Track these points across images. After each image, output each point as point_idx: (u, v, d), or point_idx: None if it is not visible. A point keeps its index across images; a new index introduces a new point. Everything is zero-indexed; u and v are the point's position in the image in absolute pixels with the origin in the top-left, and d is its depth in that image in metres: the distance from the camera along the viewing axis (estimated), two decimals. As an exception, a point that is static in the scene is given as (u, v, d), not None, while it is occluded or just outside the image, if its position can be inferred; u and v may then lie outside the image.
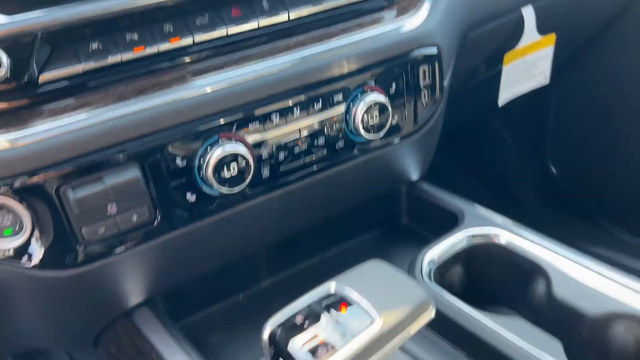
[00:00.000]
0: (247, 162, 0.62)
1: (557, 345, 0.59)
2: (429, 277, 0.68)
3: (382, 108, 0.69)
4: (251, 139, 0.63)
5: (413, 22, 0.72)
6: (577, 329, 0.63)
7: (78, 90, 0.57)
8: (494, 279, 0.73)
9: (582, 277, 0.66)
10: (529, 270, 0.69)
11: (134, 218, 0.59)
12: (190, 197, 0.62)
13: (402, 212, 0.88)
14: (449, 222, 0.77)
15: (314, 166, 0.69)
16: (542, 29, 0.98)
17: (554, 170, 1.69)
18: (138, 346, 0.65)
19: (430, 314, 0.47)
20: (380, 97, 0.69)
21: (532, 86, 1.05)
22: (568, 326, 0.63)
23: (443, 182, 0.86)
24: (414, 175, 0.85)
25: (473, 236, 0.74)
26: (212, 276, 0.74)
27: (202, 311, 0.76)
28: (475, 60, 0.97)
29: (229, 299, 0.78)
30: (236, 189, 0.62)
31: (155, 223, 0.60)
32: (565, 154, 1.64)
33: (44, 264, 0.56)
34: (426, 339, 0.64)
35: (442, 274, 0.71)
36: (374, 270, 0.51)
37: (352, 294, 0.47)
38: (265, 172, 0.65)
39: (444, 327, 0.63)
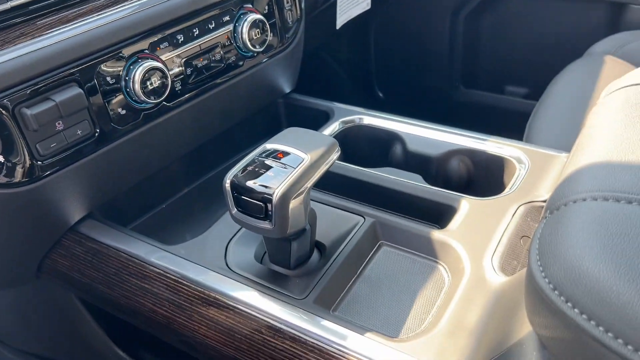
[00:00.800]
0: (165, 75, 0.74)
1: (418, 177, 0.84)
2: None
3: (262, 25, 0.86)
4: (164, 57, 0.75)
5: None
6: (428, 167, 0.88)
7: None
8: (365, 151, 0.96)
9: (426, 134, 0.91)
10: (388, 138, 0.93)
11: (79, 132, 0.68)
12: (122, 111, 0.73)
13: (282, 121, 1.07)
14: (324, 119, 0.98)
15: (217, 80, 0.84)
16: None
17: (380, 94, 2.00)
18: (96, 250, 0.75)
19: (338, 152, 0.67)
20: (259, 16, 0.85)
21: (359, 11, 1.28)
22: (422, 167, 0.88)
23: None
24: (288, 87, 1.03)
25: (344, 122, 0.96)
26: (138, 189, 0.85)
27: (136, 221, 0.87)
28: None
29: (156, 209, 0.90)
30: (159, 100, 0.74)
31: (96, 136, 0.71)
32: (387, 79, 1.96)
33: (5, 182, 0.64)
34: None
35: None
36: (293, 132, 0.68)
37: (284, 147, 0.64)
38: (178, 86, 0.79)
39: (335, 183, 0.84)
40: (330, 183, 0.83)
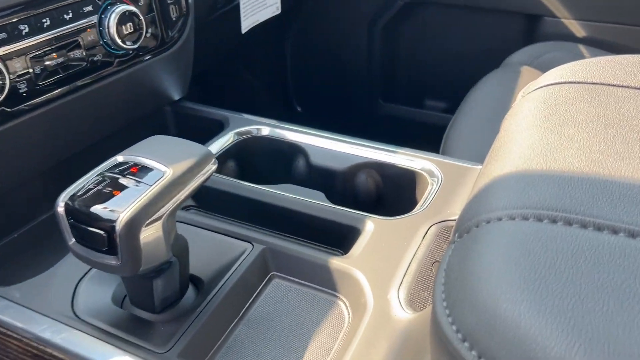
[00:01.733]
0: (1, 74, 0.59)
1: (320, 194, 0.72)
2: None
3: (134, 18, 0.72)
4: (1, 51, 0.61)
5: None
6: (332, 183, 0.77)
7: None
8: (263, 166, 0.84)
9: (332, 146, 0.81)
10: (289, 151, 0.82)
11: None
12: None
13: (171, 131, 0.93)
14: (215, 130, 0.85)
15: (78, 81, 0.69)
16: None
17: (298, 108, 1.90)
18: None
19: (214, 164, 0.54)
20: (131, 7, 0.72)
21: (268, 15, 1.18)
22: (326, 183, 0.77)
23: None
24: (176, 93, 0.90)
25: (239, 133, 0.83)
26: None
27: None
28: None
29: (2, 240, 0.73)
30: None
31: None
32: (305, 92, 1.87)
33: None
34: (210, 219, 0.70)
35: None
36: (156, 141, 0.55)
37: (140, 159, 0.51)
38: (23, 88, 0.64)
39: (222, 204, 0.71)
40: (214, 203, 0.71)
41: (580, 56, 1.29)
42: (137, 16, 0.73)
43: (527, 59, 1.28)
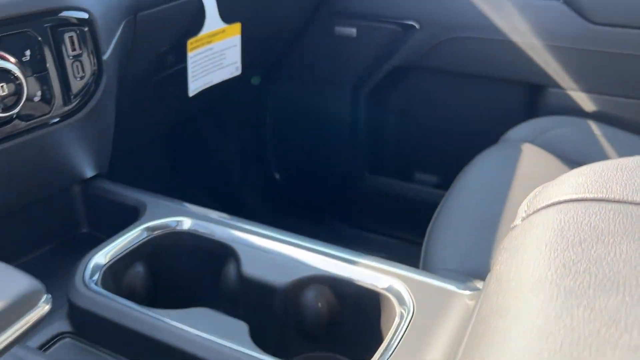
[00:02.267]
0: None
1: (242, 328, 0.52)
2: (95, 283, 0.55)
3: (9, 77, 0.54)
4: None
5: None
6: (270, 304, 0.57)
7: None
8: (184, 272, 0.64)
9: (273, 248, 0.61)
10: (218, 254, 0.62)
11: None
12: None
13: (80, 218, 0.74)
14: (131, 218, 0.66)
15: None
16: (228, 16, 0.95)
17: (277, 176, 1.72)
18: None
19: (43, 307, 0.35)
20: (7, 64, 0.54)
21: (225, 76, 1.01)
22: (260, 304, 0.57)
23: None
24: (87, 170, 0.71)
25: (152, 228, 0.64)
26: None
27: None
28: (158, 47, 0.89)
29: None
30: None
31: None
32: (285, 159, 1.69)
33: None
34: (85, 352, 0.50)
35: (116, 276, 0.59)
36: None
37: None
38: None
39: (108, 334, 0.51)
40: (98, 332, 0.51)
41: (588, 133, 1.11)
42: (14, 76, 0.55)
43: (528, 134, 1.10)
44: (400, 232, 1.61)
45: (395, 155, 1.55)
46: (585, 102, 1.22)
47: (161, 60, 0.92)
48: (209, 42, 0.93)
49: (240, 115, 1.62)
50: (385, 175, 1.57)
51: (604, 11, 1.14)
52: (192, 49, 0.90)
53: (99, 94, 0.65)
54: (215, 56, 0.96)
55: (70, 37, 0.60)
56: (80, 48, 0.61)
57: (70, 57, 0.61)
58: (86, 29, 0.62)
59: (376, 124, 1.52)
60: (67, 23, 0.60)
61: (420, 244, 0.86)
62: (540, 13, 1.20)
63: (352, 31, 1.39)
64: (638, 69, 1.15)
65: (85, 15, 0.61)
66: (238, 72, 1.02)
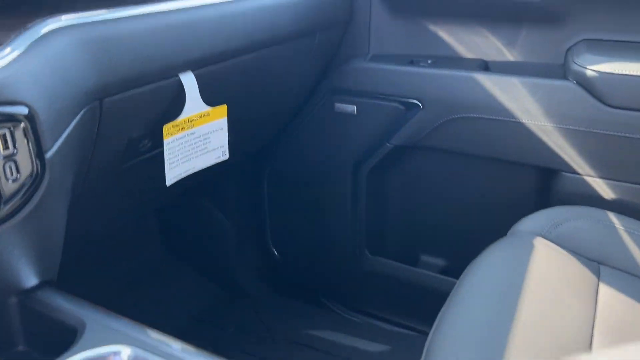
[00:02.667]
0: None
1: None
2: None
3: None
4: None
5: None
6: None
7: None
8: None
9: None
10: None
11: None
12: None
13: (16, 334, 0.64)
14: (69, 338, 0.56)
15: None
16: (212, 98, 0.89)
17: (275, 252, 1.63)
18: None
19: None
20: None
21: (211, 162, 0.94)
22: None
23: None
24: (28, 279, 0.62)
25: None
26: None
27: None
28: (130, 133, 0.82)
29: None
30: None
31: None
32: (284, 235, 1.61)
33: None
34: None
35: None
36: None
37: None
38: None
39: None
40: None
41: (609, 226, 1.01)
42: None
43: (541, 227, 1.00)
44: (403, 319, 1.50)
45: (398, 237, 1.46)
46: (604, 189, 1.12)
47: (134, 145, 0.85)
48: (190, 127, 0.87)
49: (234, 190, 1.55)
50: (387, 257, 1.47)
51: (620, 93, 1.06)
52: (169, 134, 0.83)
53: (38, 196, 0.57)
54: (197, 141, 0.89)
55: (2, 135, 0.53)
56: (15, 146, 0.53)
57: (2, 157, 0.53)
58: (22, 125, 0.54)
59: (377, 204, 1.43)
60: (4, 118, 0.53)
61: (424, 333, 0.78)
62: (552, 94, 1.12)
63: (353, 108, 1.33)
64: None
65: (24, 111, 0.54)
66: (225, 156, 0.95)
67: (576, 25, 1.15)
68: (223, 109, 0.92)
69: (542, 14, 1.16)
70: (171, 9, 0.79)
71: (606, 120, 1.07)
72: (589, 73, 1.07)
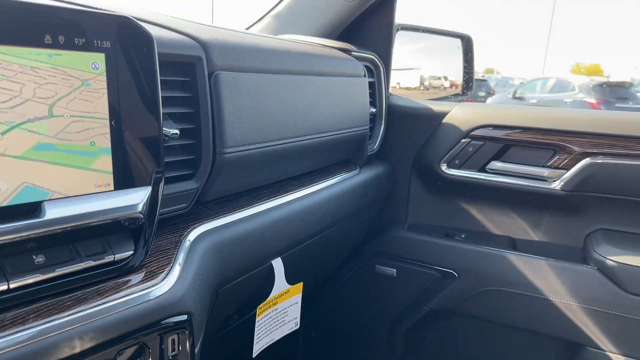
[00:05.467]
0: None
1: None
2: None
3: None
4: None
5: (161, 289, 0.67)
6: None
7: None
8: None
9: None
10: None
11: None
12: None
13: None
14: None
15: None
16: (290, 278, 1.03)
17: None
18: None
19: None
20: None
21: (285, 332, 1.05)
22: None
23: None
24: None
25: None
26: None
27: None
28: (228, 311, 0.95)
29: None
30: None
31: None
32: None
33: None
34: None
35: None
36: None
37: None
38: None
39: None
40: None
41: None
42: None
43: None
44: None
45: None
46: None
47: (227, 320, 0.97)
48: (275, 304, 1.00)
49: None
50: None
51: (638, 282, 1.21)
52: (260, 313, 0.96)
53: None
54: (278, 315, 1.02)
55: (172, 339, 0.66)
56: (179, 347, 0.66)
57: (170, 359, 0.66)
58: (186, 329, 0.67)
59: (412, 361, 1.52)
60: (173, 326, 0.66)
61: None
62: (576, 277, 1.27)
63: (393, 271, 1.47)
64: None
65: (185, 317, 0.67)
66: (297, 326, 1.07)
67: (594, 215, 1.34)
68: (299, 286, 1.05)
69: (563, 204, 1.35)
70: (274, 205, 0.96)
71: (627, 305, 1.21)
72: (609, 263, 1.23)
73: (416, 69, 2.53)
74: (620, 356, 1.24)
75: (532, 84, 15.23)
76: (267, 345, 1.00)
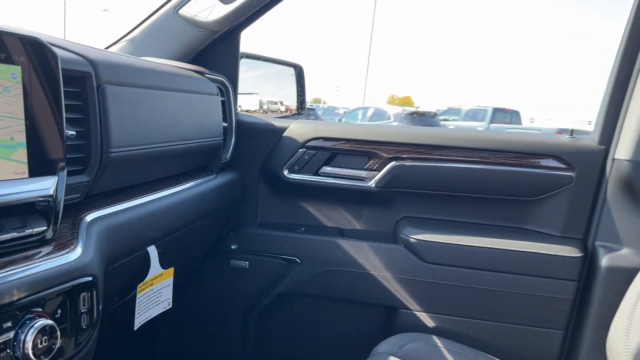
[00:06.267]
0: None
1: None
2: None
3: (51, 332, 0.73)
4: None
5: (71, 256, 0.82)
6: None
7: None
8: None
9: None
10: None
11: None
12: None
13: None
14: None
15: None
16: (163, 263, 1.21)
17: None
18: None
19: None
20: (49, 322, 0.73)
21: (160, 310, 1.22)
22: None
23: None
24: None
25: None
26: None
27: None
28: (111, 290, 1.09)
29: None
30: None
31: None
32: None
33: None
34: None
35: None
36: None
37: None
38: None
39: None
40: None
41: (435, 346, 1.48)
42: (54, 329, 0.74)
43: (392, 349, 1.43)
44: None
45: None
46: (429, 321, 1.62)
47: (110, 300, 1.11)
48: (151, 285, 1.16)
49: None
50: None
51: (433, 254, 1.60)
52: (140, 291, 1.12)
53: (92, 339, 0.84)
54: (154, 295, 1.18)
55: (83, 296, 0.82)
56: (88, 303, 0.82)
57: (82, 312, 0.81)
58: (93, 289, 0.83)
59: (264, 343, 1.75)
60: (82, 286, 0.81)
61: None
62: (389, 254, 1.63)
63: (246, 264, 1.71)
64: (463, 295, 1.59)
65: (91, 279, 0.83)
66: (169, 306, 1.24)
67: (400, 206, 1.72)
68: (171, 270, 1.23)
69: (377, 198, 1.71)
70: (149, 200, 1.14)
71: (425, 272, 1.60)
72: (412, 241, 1.61)
73: (255, 93, 2.81)
74: (423, 312, 1.62)
75: (354, 112, 16.67)
76: (146, 320, 1.16)
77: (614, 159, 1.51)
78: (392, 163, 1.63)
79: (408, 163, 1.63)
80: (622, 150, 1.48)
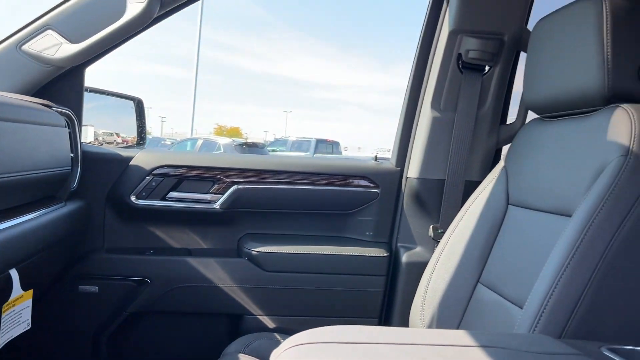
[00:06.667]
0: None
1: None
2: None
3: None
4: None
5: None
6: None
7: None
8: None
9: None
10: None
11: None
12: None
13: None
14: None
15: None
16: (24, 285, 1.27)
17: None
18: None
19: None
20: None
21: (20, 331, 1.27)
22: None
23: None
24: None
25: None
26: None
27: None
28: None
29: None
30: None
31: None
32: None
33: None
34: None
35: None
36: None
37: None
38: None
39: None
40: None
41: (276, 342, 1.72)
42: None
43: (240, 347, 1.64)
44: None
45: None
46: (269, 322, 1.86)
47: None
48: (14, 306, 1.23)
49: None
50: None
51: (270, 263, 1.86)
52: (4, 311, 1.18)
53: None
54: (15, 316, 1.24)
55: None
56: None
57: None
58: None
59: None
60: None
61: None
62: (234, 267, 1.85)
63: (95, 288, 1.78)
64: (296, 296, 1.86)
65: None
66: (28, 327, 1.30)
67: (242, 225, 1.96)
68: (30, 292, 1.30)
69: (222, 219, 1.93)
70: (10, 225, 1.21)
71: (265, 280, 1.84)
72: (254, 253, 1.85)
73: (90, 125, 2.84)
74: (265, 316, 1.86)
75: (183, 144, 16.49)
76: (8, 339, 1.21)
77: (407, 178, 1.94)
78: (234, 187, 1.87)
79: (248, 186, 1.88)
80: (412, 171, 1.92)
